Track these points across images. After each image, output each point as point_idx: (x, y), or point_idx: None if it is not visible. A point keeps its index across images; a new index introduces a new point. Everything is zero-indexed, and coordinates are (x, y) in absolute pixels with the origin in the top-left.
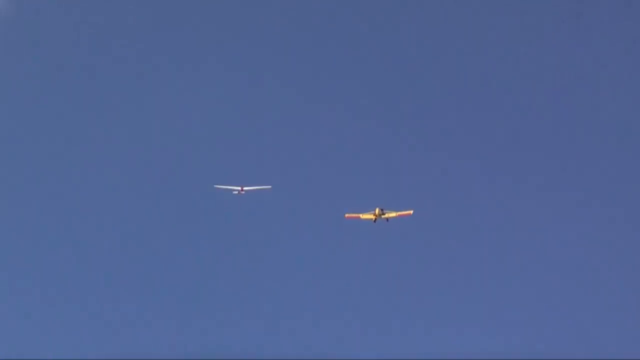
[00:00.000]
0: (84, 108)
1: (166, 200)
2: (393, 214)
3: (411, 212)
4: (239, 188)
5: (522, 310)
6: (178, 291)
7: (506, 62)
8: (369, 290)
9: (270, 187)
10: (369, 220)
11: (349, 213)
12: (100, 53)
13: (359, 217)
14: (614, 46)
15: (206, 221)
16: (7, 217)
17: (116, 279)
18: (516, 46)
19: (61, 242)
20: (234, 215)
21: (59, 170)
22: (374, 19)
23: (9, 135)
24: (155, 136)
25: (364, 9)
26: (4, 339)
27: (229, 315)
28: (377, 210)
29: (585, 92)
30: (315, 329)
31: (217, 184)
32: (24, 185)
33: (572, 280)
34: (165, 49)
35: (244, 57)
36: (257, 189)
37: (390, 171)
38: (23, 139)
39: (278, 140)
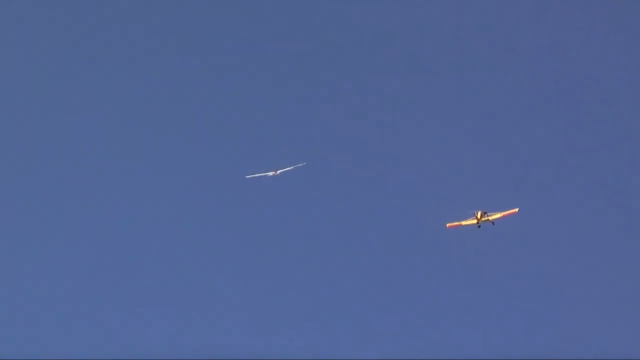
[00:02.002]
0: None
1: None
2: (498, 215)
3: (517, 210)
4: (273, 172)
5: (522, 310)
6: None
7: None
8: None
9: (305, 163)
10: (472, 225)
11: (450, 222)
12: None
13: (461, 224)
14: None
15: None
16: (6, 214)
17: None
18: None
19: (73, 239)
20: (325, 232)
21: (67, 163)
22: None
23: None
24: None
25: None
26: (3, 339)
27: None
28: (479, 214)
29: None
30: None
31: (248, 175)
32: (24, 182)
33: (573, 280)
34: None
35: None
36: (291, 169)
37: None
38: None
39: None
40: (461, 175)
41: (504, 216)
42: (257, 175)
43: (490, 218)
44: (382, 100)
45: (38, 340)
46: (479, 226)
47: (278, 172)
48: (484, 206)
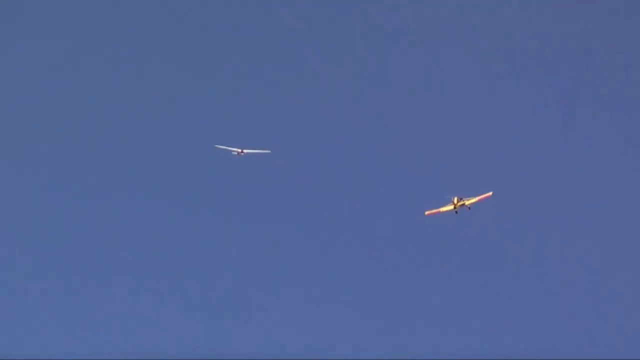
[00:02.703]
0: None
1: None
2: (473, 200)
3: (491, 193)
4: (239, 150)
5: (522, 310)
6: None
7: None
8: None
9: (269, 151)
10: (450, 212)
11: (428, 210)
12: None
13: (439, 211)
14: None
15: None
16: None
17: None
18: None
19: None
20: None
21: (58, 153)
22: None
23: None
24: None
25: None
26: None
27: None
28: (455, 200)
29: None
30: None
31: (217, 144)
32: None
33: (573, 280)
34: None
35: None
36: (256, 152)
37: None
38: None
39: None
40: (434, 162)
41: (479, 200)
42: (225, 148)
43: (466, 203)
44: (357, 95)
45: (38, 340)
46: (456, 212)
47: (243, 151)
48: (459, 192)
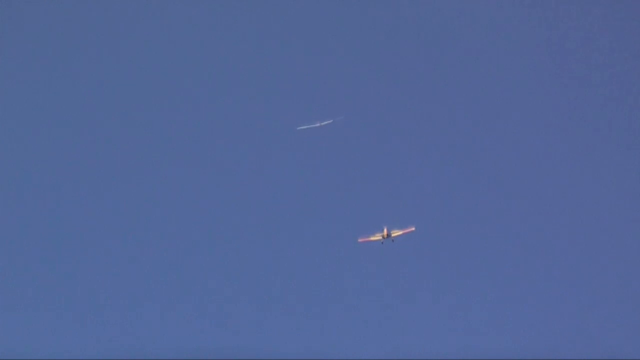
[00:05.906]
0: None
1: None
2: (399, 232)
3: (413, 228)
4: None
5: (523, 310)
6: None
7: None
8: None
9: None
10: (378, 241)
11: (361, 237)
12: None
13: (370, 239)
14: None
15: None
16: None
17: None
18: None
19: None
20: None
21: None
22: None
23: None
24: None
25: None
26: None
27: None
28: (385, 231)
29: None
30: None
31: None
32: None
33: (573, 280)
34: None
35: None
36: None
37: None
38: None
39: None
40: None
41: (403, 233)
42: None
43: (392, 235)
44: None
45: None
46: (382, 243)
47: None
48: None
